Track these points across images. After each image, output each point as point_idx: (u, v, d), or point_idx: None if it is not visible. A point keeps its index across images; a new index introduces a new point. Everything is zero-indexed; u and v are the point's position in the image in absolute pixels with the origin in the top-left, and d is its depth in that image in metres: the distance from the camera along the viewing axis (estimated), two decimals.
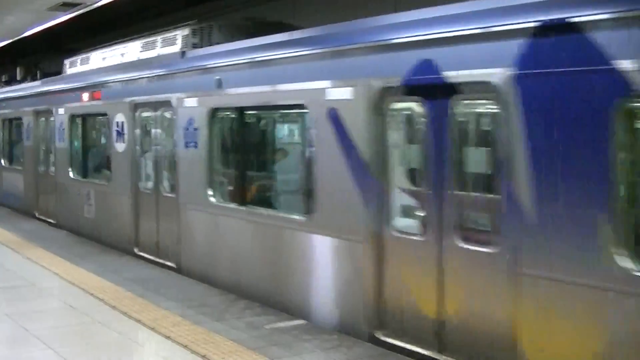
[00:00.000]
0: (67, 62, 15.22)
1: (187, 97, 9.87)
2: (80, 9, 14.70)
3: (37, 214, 16.34)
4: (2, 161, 19.44)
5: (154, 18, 17.54)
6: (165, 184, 10.84)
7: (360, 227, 7.00)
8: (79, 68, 14.49)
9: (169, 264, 10.45)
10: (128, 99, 11.66)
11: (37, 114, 16.37)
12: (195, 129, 9.65)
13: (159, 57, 11.02)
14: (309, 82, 7.66)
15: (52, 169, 15.43)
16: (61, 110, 14.68)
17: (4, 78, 20.63)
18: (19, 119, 17.79)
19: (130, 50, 12.12)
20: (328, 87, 7.37)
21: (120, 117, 11.91)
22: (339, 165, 7.19)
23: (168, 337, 7.09)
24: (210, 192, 9.50)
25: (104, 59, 13.23)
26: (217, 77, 9.16)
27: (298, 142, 9.17)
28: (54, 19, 15.99)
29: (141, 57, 11.63)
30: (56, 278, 9.85)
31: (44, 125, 16.11)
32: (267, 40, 8.63)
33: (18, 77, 19.88)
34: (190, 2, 16.69)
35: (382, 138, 6.85)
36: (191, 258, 9.97)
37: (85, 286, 9.25)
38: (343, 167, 7.15)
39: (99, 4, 14.29)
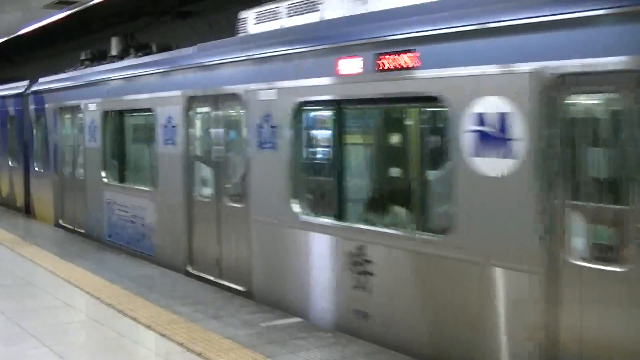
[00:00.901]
0: (248, 14, 9.25)
1: None
2: (75, 7, 14.72)
3: (190, 269, 9.91)
4: (104, 176, 12.90)
5: None
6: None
7: None
8: (286, 21, 8.58)
9: None
10: (529, 66, 5.45)
11: (191, 101, 10.01)
12: None
13: None
14: None
15: (231, 191, 9.25)
16: (268, 94, 8.34)
17: (83, 56, 15.31)
18: (145, 110, 11.37)
19: None
20: None
21: (494, 105, 5.70)
22: None
23: (164, 335, 7.10)
24: None
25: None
26: None
27: None
28: (50, 17, 16.01)
29: None
30: (52, 276, 9.85)
31: (207, 121, 9.80)
32: None
33: (114, 52, 14.09)
34: None
35: None
36: None
37: (81, 284, 9.25)
38: None
39: (93, 2, 14.32)
